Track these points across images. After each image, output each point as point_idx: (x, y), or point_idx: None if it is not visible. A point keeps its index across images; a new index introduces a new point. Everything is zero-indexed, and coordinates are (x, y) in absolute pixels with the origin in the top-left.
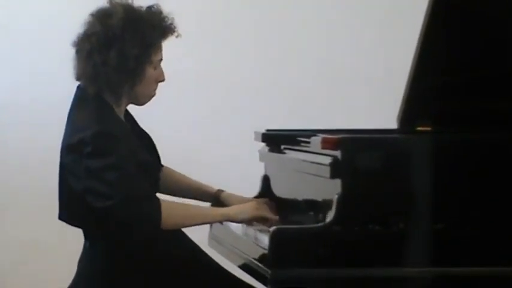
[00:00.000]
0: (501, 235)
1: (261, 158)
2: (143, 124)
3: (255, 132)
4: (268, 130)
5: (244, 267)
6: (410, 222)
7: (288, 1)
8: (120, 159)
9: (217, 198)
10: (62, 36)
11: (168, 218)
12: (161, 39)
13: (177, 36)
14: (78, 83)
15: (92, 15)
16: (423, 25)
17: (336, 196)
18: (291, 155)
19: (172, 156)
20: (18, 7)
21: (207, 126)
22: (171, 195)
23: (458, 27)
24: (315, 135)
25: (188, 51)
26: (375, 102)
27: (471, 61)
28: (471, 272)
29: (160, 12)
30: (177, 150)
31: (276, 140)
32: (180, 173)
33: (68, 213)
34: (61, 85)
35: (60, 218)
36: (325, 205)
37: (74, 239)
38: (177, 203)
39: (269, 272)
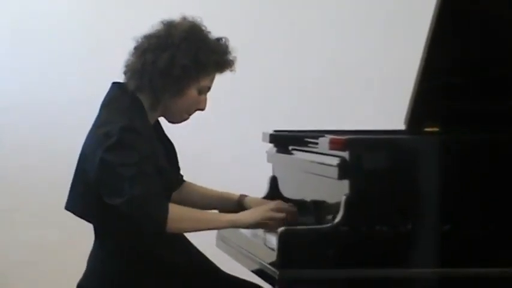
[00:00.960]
0: (508, 236)
1: (269, 159)
2: None
3: (263, 133)
4: (276, 131)
5: (252, 268)
6: (417, 224)
7: (293, 2)
8: (140, 157)
9: (241, 204)
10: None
11: (173, 221)
12: (216, 68)
13: (231, 71)
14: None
15: (162, 22)
16: (431, 25)
17: (344, 197)
18: (298, 155)
19: (180, 158)
20: (23, 8)
21: (214, 127)
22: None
23: (466, 27)
24: (322, 136)
25: None
26: (382, 102)
27: (479, 61)
28: (479, 273)
29: (226, 45)
30: (184, 152)
31: (284, 141)
32: (200, 186)
33: (78, 204)
34: (72, 86)
35: (67, 207)
36: (333, 206)
37: (82, 239)
38: (185, 207)
39: (277, 272)
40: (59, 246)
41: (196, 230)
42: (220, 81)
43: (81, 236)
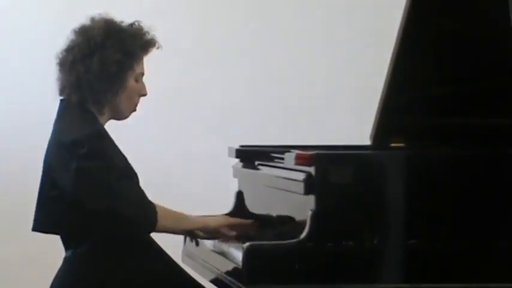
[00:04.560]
0: (474, 251)
1: (235, 174)
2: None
3: (229, 148)
4: (242, 146)
5: (218, 283)
6: (384, 239)
7: (259, 18)
8: (116, 161)
9: None
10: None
11: (162, 219)
12: (143, 51)
13: (157, 48)
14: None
15: (74, 30)
16: (397, 40)
17: (310, 212)
18: (264, 171)
19: (144, 173)
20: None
21: (180, 142)
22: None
23: (432, 42)
24: (289, 151)
25: (159, 67)
26: (347, 118)
27: (445, 76)
28: None
29: (141, 28)
30: (149, 166)
31: (250, 156)
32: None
33: (49, 219)
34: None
35: (35, 228)
36: (299, 221)
37: (49, 254)
38: (167, 208)
39: None
40: (20, 264)
41: (178, 230)
42: (186, 95)
43: (45, 251)
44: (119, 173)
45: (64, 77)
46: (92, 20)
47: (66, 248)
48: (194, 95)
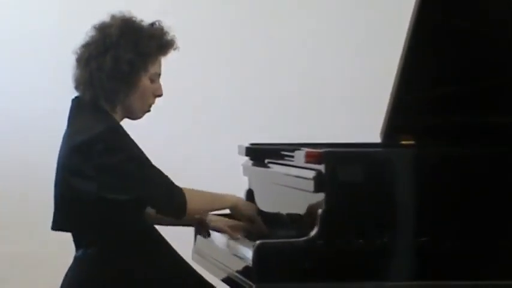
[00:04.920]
0: (485, 248)
1: (245, 172)
2: None
3: (239, 146)
4: (252, 144)
5: (228, 282)
6: (394, 236)
7: (268, 17)
8: (135, 151)
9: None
10: None
11: (189, 203)
12: (159, 52)
13: (175, 49)
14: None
15: (93, 27)
16: (407, 38)
17: (320, 210)
18: (274, 169)
19: None
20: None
21: (190, 140)
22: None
23: (442, 40)
24: (298, 149)
25: (168, 66)
26: (358, 115)
27: (454, 75)
28: (456, 286)
29: (162, 28)
30: (159, 165)
31: (260, 154)
32: None
33: (67, 219)
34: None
35: (54, 227)
36: (309, 219)
37: (59, 254)
38: (195, 190)
39: (253, 286)
40: (32, 261)
41: (207, 210)
42: (196, 94)
43: (57, 250)
44: (140, 161)
45: (79, 73)
46: (112, 17)
47: (77, 246)
48: (204, 93)
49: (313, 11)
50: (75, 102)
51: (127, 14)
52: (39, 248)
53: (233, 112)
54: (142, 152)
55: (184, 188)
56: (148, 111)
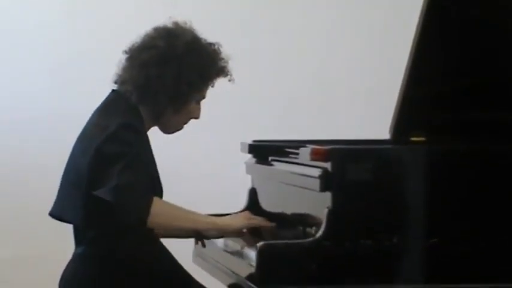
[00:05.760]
0: (496, 250)
1: (248, 170)
2: None
3: (242, 144)
4: (255, 141)
5: (230, 285)
6: (403, 237)
7: (278, 13)
8: (135, 153)
9: None
10: None
11: (156, 215)
12: (216, 78)
13: (229, 81)
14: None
15: (156, 30)
16: (416, 33)
17: (326, 210)
18: (279, 166)
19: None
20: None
21: (193, 138)
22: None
23: (452, 35)
24: (304, 146)
25: None
26: (366, 111)
27: (464, 70)
28: None
29: (220, 51)
30: (162, 163)
31: (264, 151)
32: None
33: (66, 208)
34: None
35: (53, 214)
36: (315, 219)
37: (59, 255)
38: (169, 203)
39: None
40: (31, 263)
41: (178, 228)
42: None
43: (54, 251)
44: (128, 162)
45: (132, 74)
46: (179, 27)
47: (78, 243)
48: (209, 90)
49: (321, 8)
50: (115, 94)
51: (191, 26)
52: (39, 251)
53: (237, 108)
54: (141, 160)
55: (158, 201)
56: (181, 129)
